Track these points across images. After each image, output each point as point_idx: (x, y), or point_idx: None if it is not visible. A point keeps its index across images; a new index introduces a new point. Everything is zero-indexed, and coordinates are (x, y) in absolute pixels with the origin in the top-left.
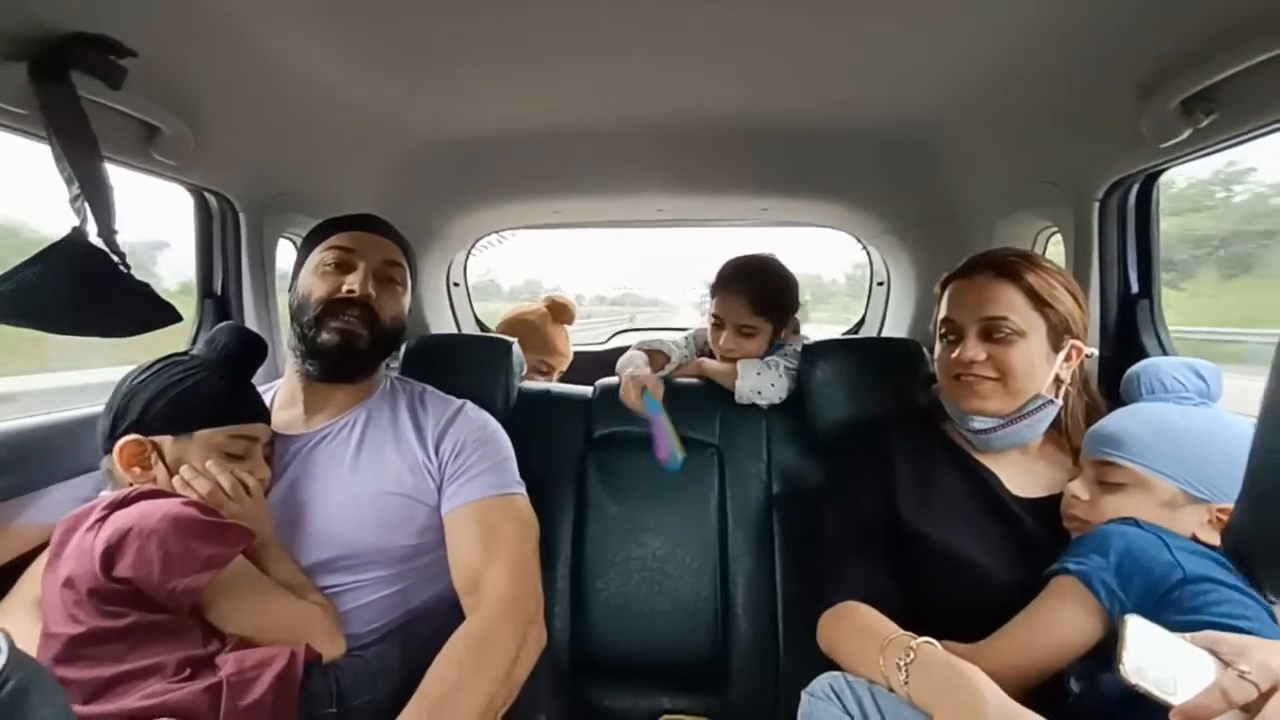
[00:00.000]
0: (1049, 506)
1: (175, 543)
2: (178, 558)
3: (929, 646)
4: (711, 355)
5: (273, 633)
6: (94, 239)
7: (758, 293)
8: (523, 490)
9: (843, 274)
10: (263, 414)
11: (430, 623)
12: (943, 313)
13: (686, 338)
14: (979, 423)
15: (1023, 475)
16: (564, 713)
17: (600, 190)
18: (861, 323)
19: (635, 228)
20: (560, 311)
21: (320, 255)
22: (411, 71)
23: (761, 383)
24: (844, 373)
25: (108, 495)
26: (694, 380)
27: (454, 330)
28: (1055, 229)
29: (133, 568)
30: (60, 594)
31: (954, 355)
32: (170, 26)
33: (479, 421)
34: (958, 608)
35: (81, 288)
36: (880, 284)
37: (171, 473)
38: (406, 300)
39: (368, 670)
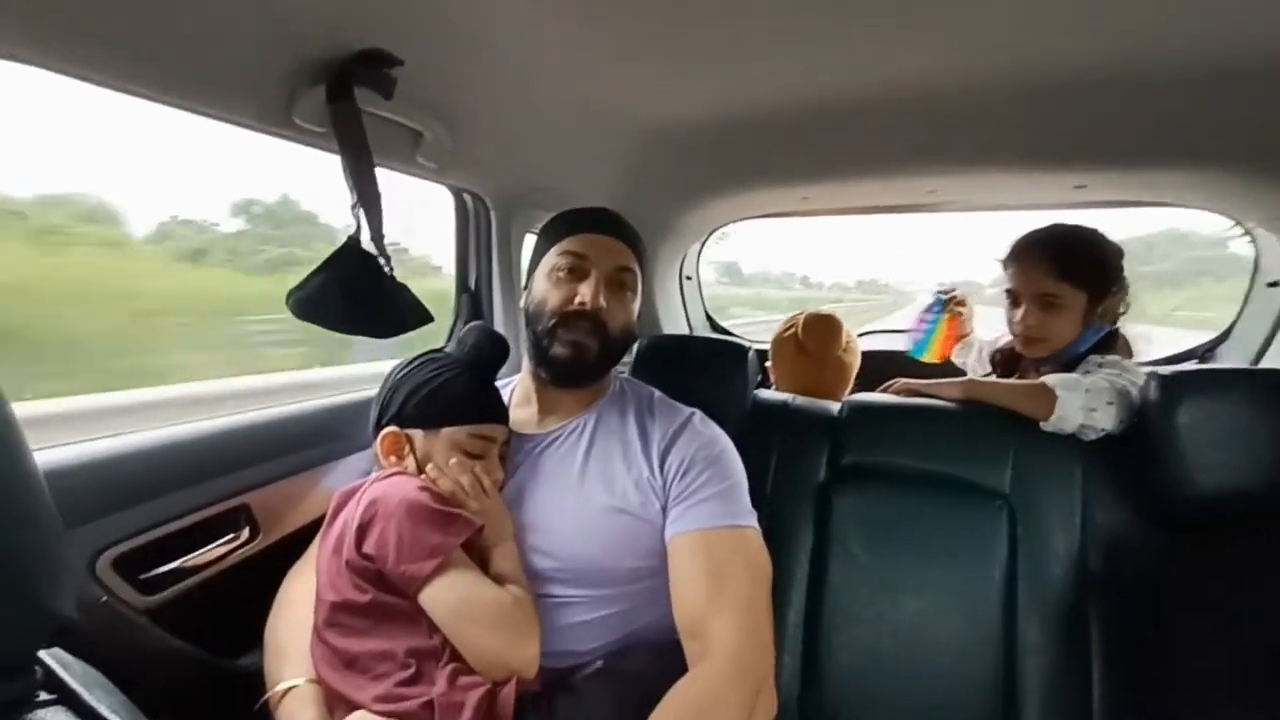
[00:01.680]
0: None
1: (407, 529)
2: (408, 544)
3: None
4: (1003, 372)
5: (467, 618)
6: (366, 244)
7: (1063, 253)
8: (755, 522)
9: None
10: (502, 416)
11: (647, 655)
12: None
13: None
14: None
15: None
16: None
17: (858, 172)
18: (1224, 336)
19: (897, 214)
20: (820, 337)
21: (554, 260)
22: (648, 60)
23: (1095, 401)
24: (1224, 418)
25: (376, 474)
26: (972, 406)
27: (685, 327)
28: None
29: (375, 546)
30: (329, 561)
31: None
32: (431, 38)
33: (708, 436)
34: None
35: (355, 290)
36: (1273, 284)
37: (420, 464)
38: (636, 305)
39: (581, 710)
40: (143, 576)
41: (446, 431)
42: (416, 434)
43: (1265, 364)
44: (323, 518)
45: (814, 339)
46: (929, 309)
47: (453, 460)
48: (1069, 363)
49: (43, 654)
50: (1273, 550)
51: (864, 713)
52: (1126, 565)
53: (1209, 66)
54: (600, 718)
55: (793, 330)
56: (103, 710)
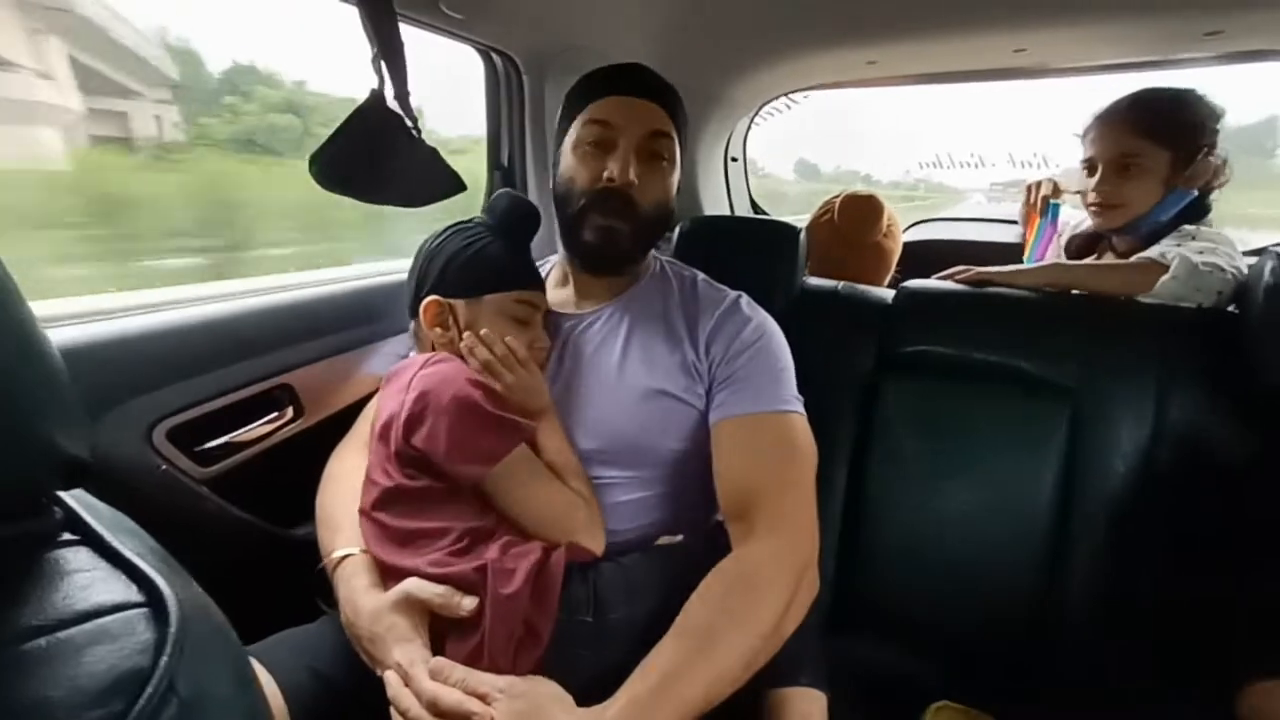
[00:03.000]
0: None
1: (459, 430)
2: (459, 445)
3: None
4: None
5: (536, 518)
6: (390, 102)
7: (1142, 109)
8: (800, 408)
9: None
10: (541, 283)
11: (692, 534)
12: None
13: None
14: None
15: None
16: (825, 668)
17: (931, 28)
18: None
19: (971, 81)
20: (859, 221)
21: (579, 132)
22: None
23: (1209, 266)
24: None
25: (419, 357)
26: (1039, 291)
27: (727, 211)
28: None
29: (425, 441)
30: (378, 446)
31: None
32: None
33: (755, 321)
34: None
35: (380, 154)
36: None
37: (462, 335)
38: (674, 178)
39: (626, 582)
40: (197, 449)
41: (490, 298)
42: (459, 303)
43: None
44: (363, 398)
45: (851, 223)
46: (1044, 215)
47: (483, 331)
48: (1150, 234)
49: (66, 497)
50: None
51: (903, 595)
52: (1202, 463)
53: None
54: (644, 592)
55: (829, 214)
56: (126, 551)
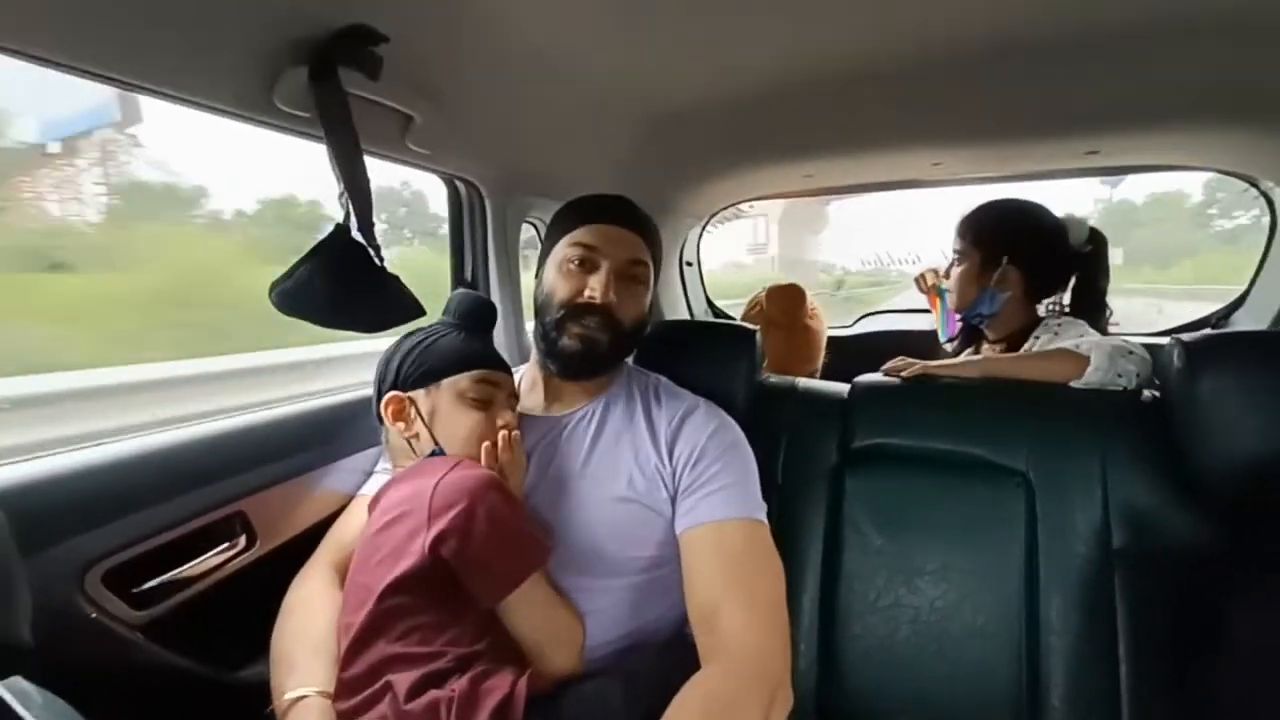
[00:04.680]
0: None
1: (495, 547)
2: (493, 562)
3: None
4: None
5: (541, 636)
6: (355, 234)
7: (975, 212)
8: (765, 517)
9: None
10: (502, 363)
11: (656, 652)
12: None
13: None
14: None
15: None
16: None
17: (859, 146)
18: (1240, 302)
19: (898, 189)
20: (787, 307)
21: (564, 251)
22: (644, 36)
23: (1120, 351)
24: (1254, 388)
25: (436, 462)
26: (986, 382)
27: (685, 314)
28: None
29: (455, 556)
30: (378, 563)
31: None
32: (419, 13)
33: (717, 424)
34: None
35: (343, 282)
36: None
37: (427, 424)
38: (648, 297)
39: (589, 710)
40: (135, 591)
41: (447, 382)
42: (418, 394)
43: None
44: (322, 522)
45: (780, 309)
46: (941, 298)
47: (463, 421)
48: (974, 325)
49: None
50: None
51: (884, 697)
52: (1151, 540)
53: (1214, 20)
54: (606, 715)
55: (758, 306)
56: None
